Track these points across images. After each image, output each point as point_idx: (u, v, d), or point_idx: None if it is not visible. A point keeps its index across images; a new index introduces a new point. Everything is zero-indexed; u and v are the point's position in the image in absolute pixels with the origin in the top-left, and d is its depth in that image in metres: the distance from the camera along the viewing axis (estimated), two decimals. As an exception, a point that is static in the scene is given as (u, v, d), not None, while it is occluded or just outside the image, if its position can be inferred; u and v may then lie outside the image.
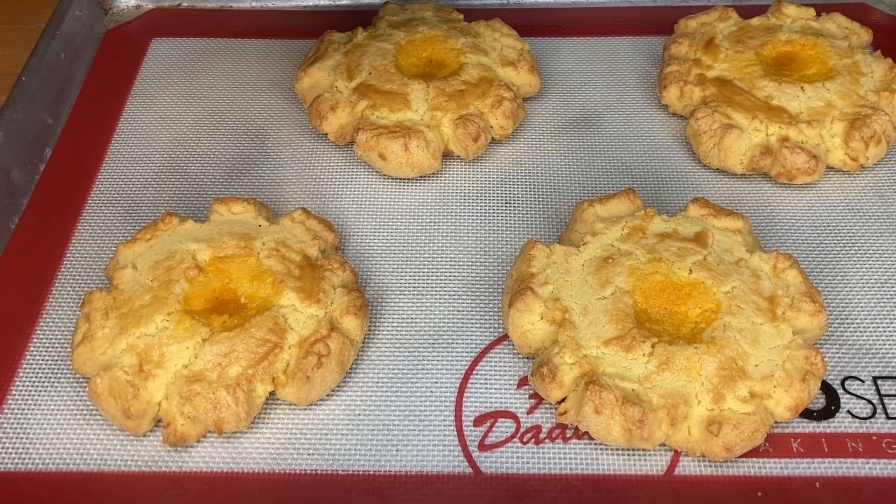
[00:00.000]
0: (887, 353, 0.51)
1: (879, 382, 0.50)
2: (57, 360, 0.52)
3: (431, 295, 0.55)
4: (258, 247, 0.53)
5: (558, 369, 0.47)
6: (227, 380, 0.47)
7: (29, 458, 0.48)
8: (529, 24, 0.73)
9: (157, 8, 0.77)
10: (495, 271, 0.56)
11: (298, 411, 0.50)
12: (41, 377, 0.51)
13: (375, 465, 0.48)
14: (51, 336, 0.53)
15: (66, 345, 0.53)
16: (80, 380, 0.51)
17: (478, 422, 0.49)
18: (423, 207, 0.61)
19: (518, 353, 0.52)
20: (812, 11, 0.68)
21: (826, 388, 0.50)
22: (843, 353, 0.52)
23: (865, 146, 0.59)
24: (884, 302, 0.54)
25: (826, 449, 0.48)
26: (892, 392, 0.50)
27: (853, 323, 0.53)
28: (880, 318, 0.53)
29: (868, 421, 0.49)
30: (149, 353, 0.48)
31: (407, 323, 0.54)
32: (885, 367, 0.51)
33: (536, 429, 0.49)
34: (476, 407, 0.50)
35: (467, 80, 0.62)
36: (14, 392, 0.51)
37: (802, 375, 0.47)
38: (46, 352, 0.53)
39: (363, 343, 0.52)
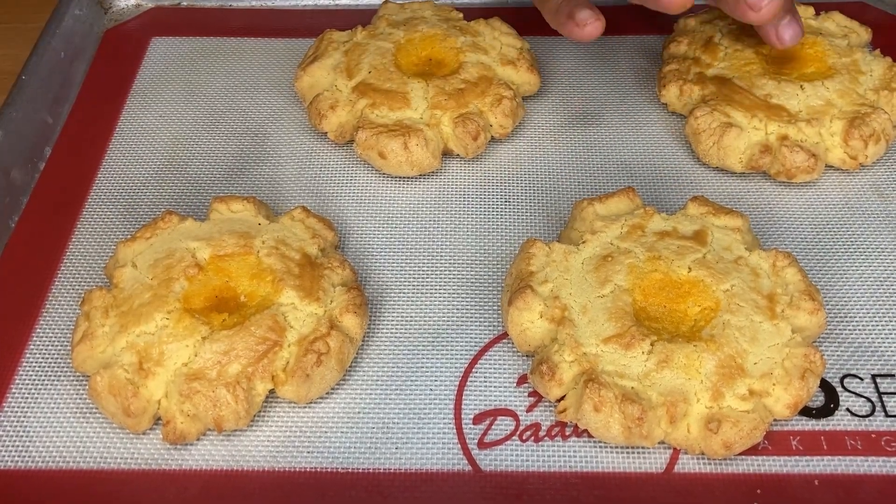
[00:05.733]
0: (886, 351, 0.51)
1: (878, 380, 0.50)
2: (57, 359, 0.52)
3: (431, 293, 0.55)
4: (258, 245, 0.53)
5: (557, 367, 0.47)
6: (226, 378, 0.47)
7: (28, 456, 0.48)
8: (529, 23, 0.72)
9: (157, 7, 0.77)
10: (495, 270, 0.57)
11: (298, 409, 0.50)
12: (41, 375, 0.51)
13: (375, 462, 0.48)
14: (51, 334, 0.54)
15: (65, 343, 0.53)
16: (80, 378, 0.51)
17: (477, 420, 0.49)
18: (422, 206, 0.61)
19: (517, 352, 0.52)
20: (811, 10, 0.68)
21: (825, 385, 0.50)
22: (842, 351, 0.52)
23: (865, 145, 0.59)
24: (883, 300, 0.54)
25: (825, 447, 0.48)
26: (891, 390, 0.50)
27: (852, 321, 0.53)
28: (879, 317, 0.53)
29: (867, 419, 0.49)
30: (148, 351, 0.48)
31: (406, 321, 0.54)
32: (884, 365, 0.51)
33: (536, 426, 0.49)
34: (475, 405, 0.50)
35: (467, 79, 0.62)
36: (14, 390, 0.51)
37: (801, 373, 0.47)
38: (46, 350, 0.53)
39: (363, 341, 0.52)
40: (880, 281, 0.55)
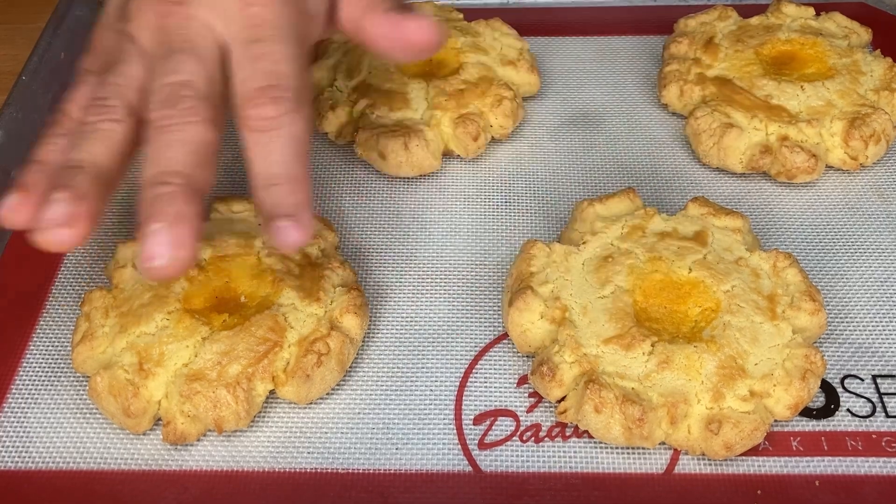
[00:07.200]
0: (887, 352, 0.51)
1: (879, 381, 0.50)
2: (57, 359, 0.52)
3: (431, 294, 0.55)
4: (258, 245, 0.53)
5: (558, 368, 0.47)
6: (227, 378, 0.47)
7: (29, 457, 0.48)
8: (529, 24, 0.72)
9: (157, 7, 0.77)
10: (495, 270, 0.56)
11: (298, 410, 0.50)
12: (41, 376, 0.51)
13: (375, 463, 0.48)
14: (51, 335, 0.53)
15: (66, 344, 0.53)
16: (80, 378, 0.51)
17: (478, 420, 0.49)
18: (422, 206, 0.60)
19: (518, 352, 0.52)
20: (811, 10, 0.68)
21: (826, 386, 0.50)
22: (842, 351, 0.52)
23: (865, 145, 0.59)
24: (883, 301, 0.54)
25: (825, 447, 0.48)
26: (892, 390, 0.50)
27: (853, 321, 0.53)
28: (880, 317, 0.53)
29: (867, 419, 0.49)
30: (149, 351, 0.48)
31: (407, 322, 0.54)
32: (884, 366, 0.51)
33: (536, 427, 0.49)
34: (476, 405, 0.50)
35: (467, 80, 0.62)
36: (14, 391, 0.51)
37: (802, 374, 0.47)
38: (46, 351, 0.53)
39: (363, 342, 0.52)
40: (881, 281, 0.55)
